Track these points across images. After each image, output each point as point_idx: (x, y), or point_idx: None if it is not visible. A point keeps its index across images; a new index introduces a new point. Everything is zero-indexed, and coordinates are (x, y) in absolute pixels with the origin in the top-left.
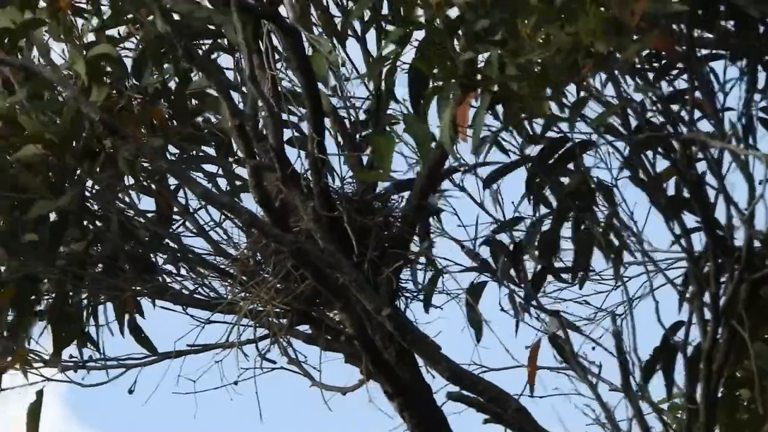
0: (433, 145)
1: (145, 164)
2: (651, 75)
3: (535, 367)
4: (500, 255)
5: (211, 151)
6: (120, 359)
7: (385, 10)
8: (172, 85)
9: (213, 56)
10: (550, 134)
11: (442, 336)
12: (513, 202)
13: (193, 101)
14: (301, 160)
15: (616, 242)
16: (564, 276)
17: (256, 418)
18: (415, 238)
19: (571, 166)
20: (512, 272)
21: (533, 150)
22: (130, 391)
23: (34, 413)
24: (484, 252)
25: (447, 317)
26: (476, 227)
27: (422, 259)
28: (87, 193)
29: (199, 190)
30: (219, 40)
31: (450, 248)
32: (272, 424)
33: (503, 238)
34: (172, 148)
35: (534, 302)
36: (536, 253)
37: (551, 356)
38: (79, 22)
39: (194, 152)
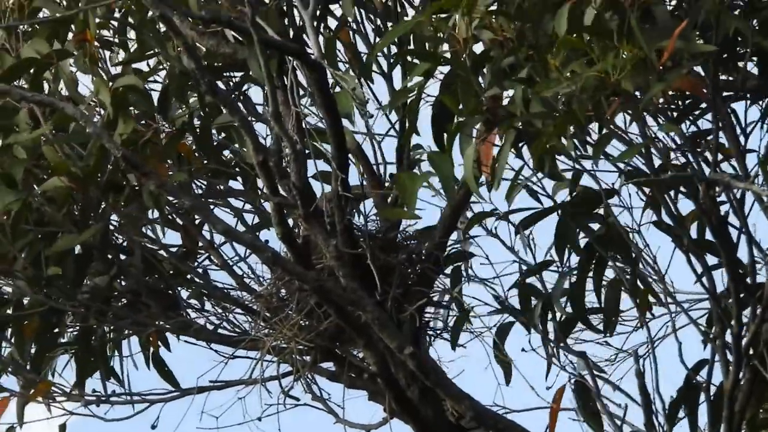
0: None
1: (170, 198)
2: (675, 115)
3: (557, 411)
4: (531, 299)
5: (238, 184)
6: (143, 394)
7: (411, 45)
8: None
9: (244, 88)
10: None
11: (465, 375)
12: (533, 246)
13: (220, 134)
14: (324, 196)
15: (641, 286)
16: (595, 324)
17: None
18: (440, 276)
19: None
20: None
21: (561, 195)
22: (153, 427)
23: None
24: (513, 296)
25: (470, 355)
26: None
27: (447, 297)
28: (111, 227)
29: (221, 227)
30: (250, 73)
31: (478, 289)
32: None
33: (534, 282)
34: (198, 182)
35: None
36: (563, 303)
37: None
38: (106, 54)
39: (220, 186)
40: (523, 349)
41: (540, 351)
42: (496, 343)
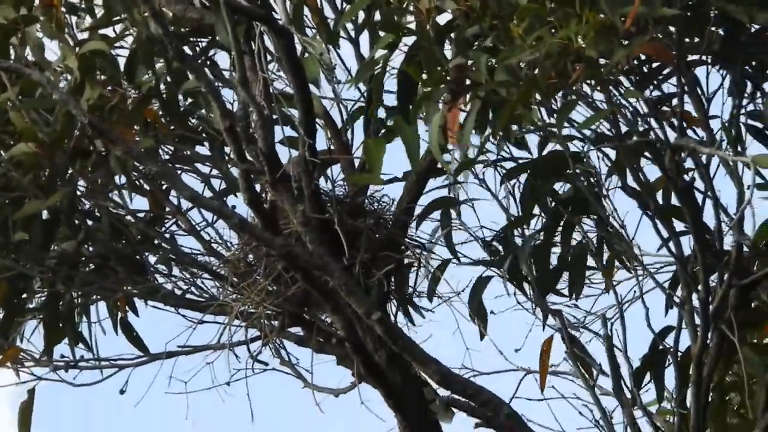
0: (423, 150)
1: (137, 164)
2: (639, 80)
3: (547, 363)
4: (511, 252)
5: (206, 150)
6: (111, 359)
7: (377, 17)
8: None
9: (211, 53)
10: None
11: (434, 339)
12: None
13: (187, 100)
14: (291, 161)
15: (608, 250)
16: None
17: (247, 420)
18: (407, 240)
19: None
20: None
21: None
22: (122, 392)
23: (25, 412)
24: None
25: (438, 321)
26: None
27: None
28: (78, 193)
29: (188, 193)
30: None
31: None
32: (263, 426)
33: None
34: (165, 147)
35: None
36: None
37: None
38: (73, 19)
39: (187, 152)
40: (492, 312)
41: (520, 305)
42: (472, 296)
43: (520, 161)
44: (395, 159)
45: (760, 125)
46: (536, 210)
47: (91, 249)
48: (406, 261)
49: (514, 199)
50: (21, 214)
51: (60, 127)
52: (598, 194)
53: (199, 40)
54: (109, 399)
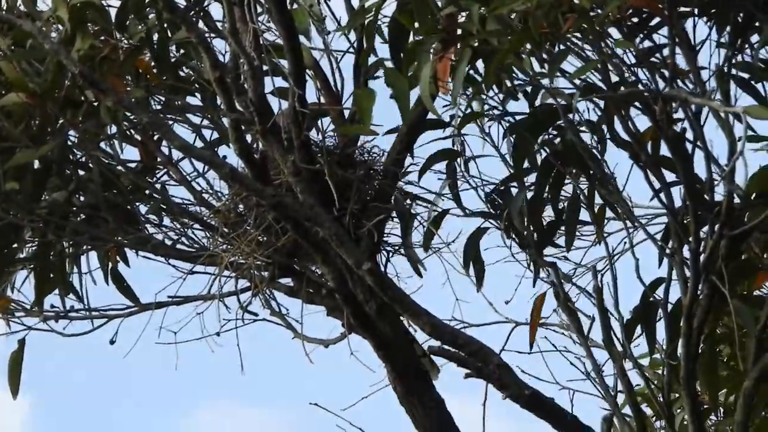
0: (414, 99)
1: (129, 114)
2: (630, 31)
3: (538, 318)
4: (511, 205)
5: (197, 100)
6: (102, 310)
7: None
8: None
9: (204, 3)
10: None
11: (424, 290)
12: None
13: (179, 51)
14: (282, 112)
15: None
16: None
17: (237, 370)
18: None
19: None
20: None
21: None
22: (112, 342)
23: (15, 362)
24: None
25: (430, 272)
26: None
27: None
28: (69, 143)
29: (179, 143)
30: None
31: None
32: (253, 377)
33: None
34: (157, 98)
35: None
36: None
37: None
38: None
39: (178, 102)
40: (512, 256)
41: (514, 258)
42: (468, 245)
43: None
44: (386, 110)
45: (747, 77)
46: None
47: (81, 199)
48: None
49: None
50: (12, 163)
51: (51, 78)
52: (588, 146)
53: None
54: (99, 349)
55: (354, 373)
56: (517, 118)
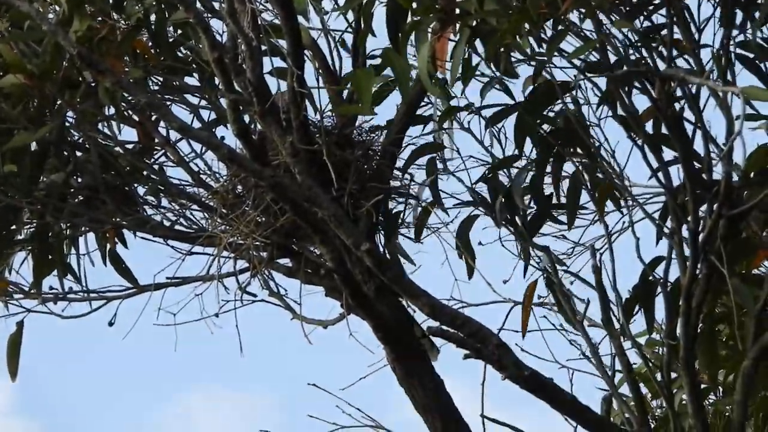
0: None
1: (127, 95)
2: (628, 10)
3: (529, 307)
4: (499, 193)
5: (195, 81)
6: (100, 291)
7: None
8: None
9: None
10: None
11: (422, 270)
12: (504, 141)
13: (177, 31)
14: (280, 93)
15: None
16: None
17: (236, 351)
18: (396, 172)
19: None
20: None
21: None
22: (110, 324)
23: (14, 344)
24: (482, 190)
25: (428, 252)
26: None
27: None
28: (68, 124)
29: (177, 124)
30: None
31: (445, 184)
32: (252, 357)
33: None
34: (155, 78)
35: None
36: (527, 197)
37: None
38: None
39: (176, 82)
40: (480, 243)
41: (504, 247)
42: (460, 234)
43: (504, 106)
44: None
45: (749, 55)
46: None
47: (80, 180)
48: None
49: (500, 144)
50: (10, 146)
51: (49, 59)
52: (587, 124)
53: None
54: (98, 331)
55: (353, 354)
56: (496, 110)
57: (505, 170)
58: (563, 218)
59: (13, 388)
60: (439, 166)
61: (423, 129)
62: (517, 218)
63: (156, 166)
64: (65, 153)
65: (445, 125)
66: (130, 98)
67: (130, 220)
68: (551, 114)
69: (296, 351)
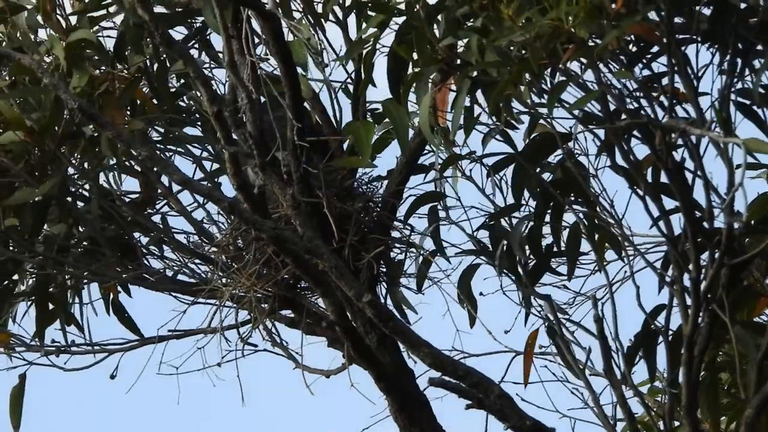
0: (412, 131)
1: (128, 148)
2: (628, 59)
3: (531, 356)
4: (500, 241)
5: (197, 131)
6: (102, 344)
7: None
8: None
9: (206, 33)
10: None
11: (424, 321)
12: (504, 190)
13: (180, 81)
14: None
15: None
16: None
17: (238, 402)
18: (396, 223)
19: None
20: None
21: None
22: (113, 377)
23: (16, 397)
24: (484, 237)
25: (429, 303)
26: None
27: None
28: (69, 175)
29: (177, 177)
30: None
31: (446, 233)
32: (254, 408)
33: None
34: (157, 129)
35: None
36: (526, 247)
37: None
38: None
39: (177, 132)
40: (481, 293)
41: (506, 296)
42: (461, 283)
43: (506, 155)
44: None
45: (748, 102)
46: (524, 199)
47: (81, 231)
48: (394, 245)
49: (501, 192)
50: (11, 202)
51: (49, 114)
52: (586, 174)
53: (194, 20)
54: (100, 383)
55: (355, 405)
56: (497, 158)
57: (506, 219)
58: (562, 269)
59: None
60: (441, 214)
61: (425, 177)
62: (518, 266)
63: (158, 216)
64: (66, 205)
65: (447, 173)
66: (131, 150)
67: (131, 274)
68: (551, 163)
69: (298, 401)
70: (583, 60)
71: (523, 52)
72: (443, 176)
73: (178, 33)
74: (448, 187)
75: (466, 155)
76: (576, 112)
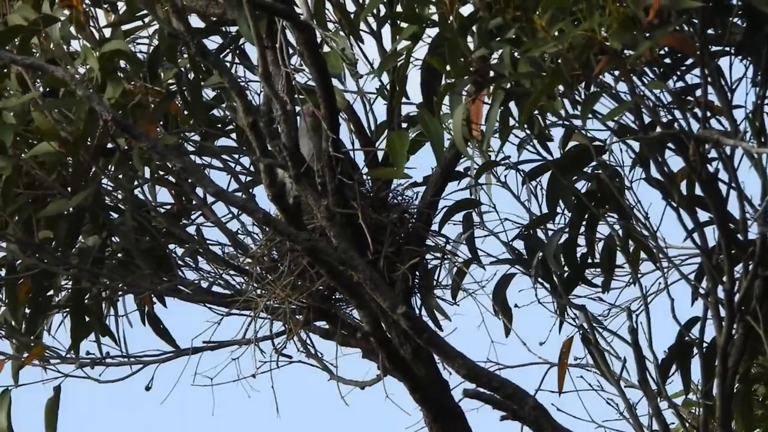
0: (447, 142)
1: (161, 160)
2: (662, 71)
3: (566, 364)
4: (536, 251)
5: (232, 141)
6: (137, 356)
7: (398, 8)
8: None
9: (240, 42)
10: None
11: (458, 333)
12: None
13: (215, 91)
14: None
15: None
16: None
17: (272, 414)
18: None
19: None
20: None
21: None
22: (147, 388)
23: (51, 409)
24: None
25: (464, 314)
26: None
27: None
28: (104, 188)
29: (212, 189)
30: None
31: (479, 242)
32: (289, 420)
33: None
34: (192, 142)
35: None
36: (561, 257)
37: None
38: (98, 12)
39: (211, 144)
40: (516, 305)
41: (541, 305)
42: (496, 293)
43: (541, 162)
44: (420, 153)
45: None
46: (559, 208)
47: (115, 243)
48: (429, 256)
49: (536, 200)
50: (45, 213)
51: (82, 126)
52: (620, 186)
53: (228, 30)
54: (135, 395)
55: (390, 416)
56: (536, 164)
57: (541, 228)
58: (596, 281)
59: None
60: (476, 220)
61: (458, 183)
62: (553, 276)
63: (193, 227)
64: (100, 217)
65: (482, 180)
66: (165, 161)
67: (165, 286)
68: (586, 172)
69: (333, 413)
70: (617, 71)
71: (557, 63)
72: (478, 183)
73: (213, 42)
74: (483, 195)
75: (501, 161)
76: (611, 124)
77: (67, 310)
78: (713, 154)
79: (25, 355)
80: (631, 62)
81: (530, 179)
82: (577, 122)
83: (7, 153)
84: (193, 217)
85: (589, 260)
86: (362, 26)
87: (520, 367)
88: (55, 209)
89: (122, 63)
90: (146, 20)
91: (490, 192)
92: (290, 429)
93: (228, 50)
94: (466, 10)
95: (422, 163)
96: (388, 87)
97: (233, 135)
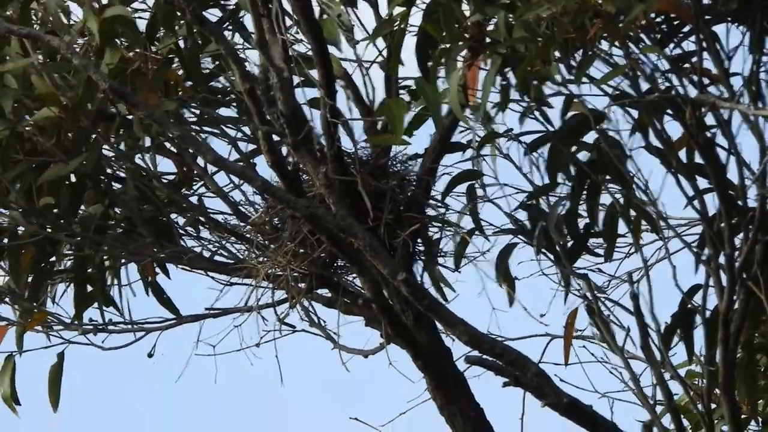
0: (445, 108)
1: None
2: (658, 38)
3: (572, 335)
4: (538, 221)
5: (232, 112)
6: (140, 323)
7: None
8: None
9: (239, 15)
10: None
11: (459, 300)
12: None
13: (215, 62)
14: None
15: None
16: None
17: (276, 382)
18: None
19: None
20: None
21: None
22: (150, 355)
23: (55, 375)
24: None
25: (465, 281)
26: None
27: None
28: (104, 156)
29: (211, 157)
30: None
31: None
32: (292, 388)
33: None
34: (191, 111)
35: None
36: (563, 228)
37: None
38: None
39: (206, 116)
40: (516, 277)
41: (545, 275)
42: (499, 262)
43: (542, 134)
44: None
45: None
46: (560, 178)
47: (118, 212)
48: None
49: (538, 171)
50: (44, 178)
51: (82, 91)
52: (621, 154)
53: (227, 4)
54: (138, 362)
55: (393, 383)
56: (534, 136)
57: (543, 198)
58: (599, 251)
59: (54, 418)
60: (479, 192)
61: (462, 155)
62: (556, 246)
63: (195, 197)
64: (102, 185)
65: (484, 151)
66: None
67: (168, 253)
68: (586, 142)
69: (336, 381)
70: (609, 37)
71: (552, 28)
72: (480, 154)
73: (212, 15)
74: (485, 166)
75: (503, 133)
76: (607, 89)
77: (71, 278)
78: (711, 121)
79: (29, 320)
80: (625, 26)
81: (531, 150)
82: (576, 90)
83: (7, 117)
84: (194, 187)
85: (592, 230)
86: None
87: (522, 339)
88: (54, 174)
89: (122, 35)
90: None
91: (495, 165)
92: (294, 397)
93: (227, 23)
94: None
95: (421, 133)
96: (384, 54)
97: (233, 105)
